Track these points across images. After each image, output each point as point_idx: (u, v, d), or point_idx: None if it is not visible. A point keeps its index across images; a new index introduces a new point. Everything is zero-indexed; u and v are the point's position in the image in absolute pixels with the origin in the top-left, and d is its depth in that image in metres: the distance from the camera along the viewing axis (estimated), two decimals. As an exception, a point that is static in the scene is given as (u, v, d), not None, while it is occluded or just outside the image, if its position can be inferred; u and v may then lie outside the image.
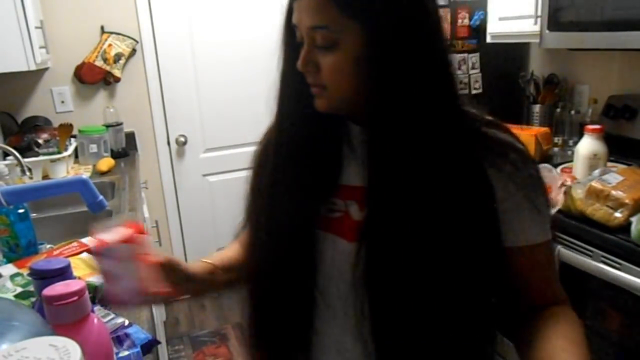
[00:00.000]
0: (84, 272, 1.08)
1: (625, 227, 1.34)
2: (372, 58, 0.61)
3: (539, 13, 1.78)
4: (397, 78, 0.61)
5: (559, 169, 1.81)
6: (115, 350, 0.75)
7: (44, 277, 0.72)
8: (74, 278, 0.77)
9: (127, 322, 0.91)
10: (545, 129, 2.04)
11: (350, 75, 0.63)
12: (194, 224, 2.99)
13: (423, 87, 0.62)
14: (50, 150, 2.17)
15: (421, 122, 0.62)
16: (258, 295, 0.78)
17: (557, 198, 1.55)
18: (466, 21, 2.30)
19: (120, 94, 2.68)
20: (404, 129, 0.62)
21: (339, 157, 0.72)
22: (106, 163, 2.35)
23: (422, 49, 0.62)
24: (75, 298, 0.56)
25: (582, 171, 1.67)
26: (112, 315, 0.92)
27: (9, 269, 1.12)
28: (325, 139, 0.71)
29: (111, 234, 0.71)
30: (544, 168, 1.66)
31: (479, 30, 2.29)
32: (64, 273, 0.73)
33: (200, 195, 2.96)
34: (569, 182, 1.58)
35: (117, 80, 2.61)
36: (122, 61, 2.58)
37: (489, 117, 0.70)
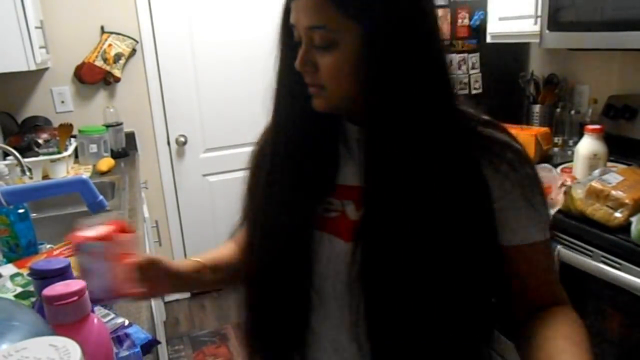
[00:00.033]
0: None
1: (625, 227, 1.34)
2: (370, 58, 0.61)
3: (539, 13, 1.78)
4: (394, 77, 0.61)
5: (559, 169, 1.81)
6: (115, 350, 0.75)
7: (44, 277, 0.72)
8: (74, 278, 0.77)
9: (127, 322, 0.91)
10: (545, 129, 2.04)
11: (349, 75, 0.63)
12: (194, 224, 2.99)
13: (420, 86, 0.62)
14: (50, 150, 2.17)
15: (418, 122, 0.63)
16: (254, 294, 0.78)
17: (557, 198, 1.55)
18: (466, 21, 2.30)
19: (120, 94, 2.68)
20: (402, 128, 0.62)
21: (335, 157, 0.72)
22: (106, 163, 2.35)
23: (420, 48, 0.62)
24: (75, 298, 0.56)
25: (582, 171, 1.67)
26: (112, 315, 0.92)
27: (9, 269, 1.12)
28: (322, 138, 0.71)
29: (92, 231, 0.73)
30: (544, 168, 1.66)
31: (479, 30, 2.29)
32: (64, 273, 0.73)
33: (200, 195, 2.96)
34: (569, 182, 1.58)
35: (117, 80, 2.62)
36: (122, 61, 2.59)
37: (486, 117, 0.70)
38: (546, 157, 2.00)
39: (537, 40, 1.80)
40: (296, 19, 0.64)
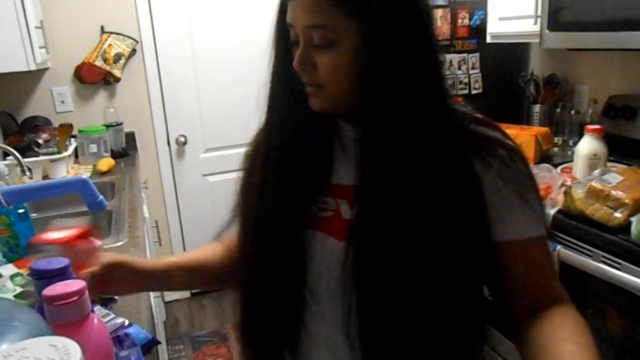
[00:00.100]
0: (84, 272, 1.08)
1: (625, 227, 1.34)
2: (368, 56, 0.61)
3: (539, 13, 1.78)
4: (391, 76, 0.61)
5: (559, 169, 1.81)
6: (115, 350, 0.75)
7: (44, 277, 0.72)
8: (74, 278, 0.77)
9: (127, 322, 0.91)
10: (545, 129, 2.04)
11: (348, 74, 0.63)
12: (194, 224, 2.99)
13: (415, 85, 0.63)
14: (50, 150, 2.17)
15: (413, 120, 0.63)
16: (248, 292, 0.79)
17: (557, 198, 1.55)
18: (466, 21, 2.30)
19: (120, 94, 2.68)
20: (397, 127, 0.63)
21: (330, 156, 0.72)
22: (106, 163, 2.35)
23: (417, 48, 0.62)
24: (75, 298, 0.56)
25: (582, 171, 1.67)
26: (112, 315, 0.92)
27: (9, 269, 1.12)
28: (317, 138, 0.71)
29: (57, 234, 0.74)
30: (544, 168, 1.67)
31: (479, 30, 2.29)
32: (64, 273, 0.73)
33: (200, 195, 2.96)
34: (569, 182, 1.58)
35: (117, 80, 2.61)
36: (122, 61, 2.59)
37: (479, 115, 0.71)
38: (546, 157, 2.00)
39: (537, 40, 1.80)
40: (294, 18, 0.63)
